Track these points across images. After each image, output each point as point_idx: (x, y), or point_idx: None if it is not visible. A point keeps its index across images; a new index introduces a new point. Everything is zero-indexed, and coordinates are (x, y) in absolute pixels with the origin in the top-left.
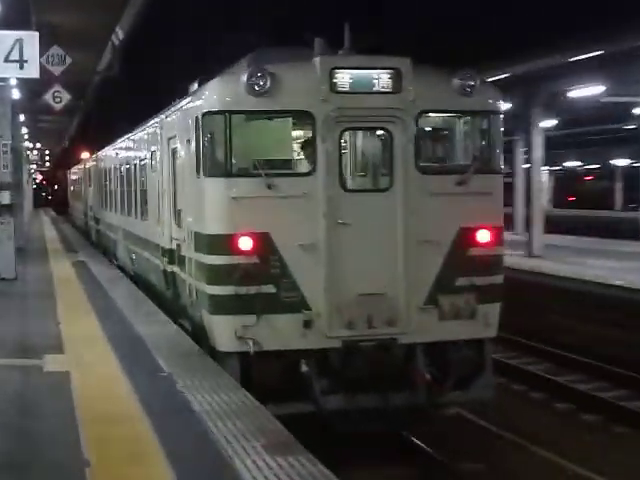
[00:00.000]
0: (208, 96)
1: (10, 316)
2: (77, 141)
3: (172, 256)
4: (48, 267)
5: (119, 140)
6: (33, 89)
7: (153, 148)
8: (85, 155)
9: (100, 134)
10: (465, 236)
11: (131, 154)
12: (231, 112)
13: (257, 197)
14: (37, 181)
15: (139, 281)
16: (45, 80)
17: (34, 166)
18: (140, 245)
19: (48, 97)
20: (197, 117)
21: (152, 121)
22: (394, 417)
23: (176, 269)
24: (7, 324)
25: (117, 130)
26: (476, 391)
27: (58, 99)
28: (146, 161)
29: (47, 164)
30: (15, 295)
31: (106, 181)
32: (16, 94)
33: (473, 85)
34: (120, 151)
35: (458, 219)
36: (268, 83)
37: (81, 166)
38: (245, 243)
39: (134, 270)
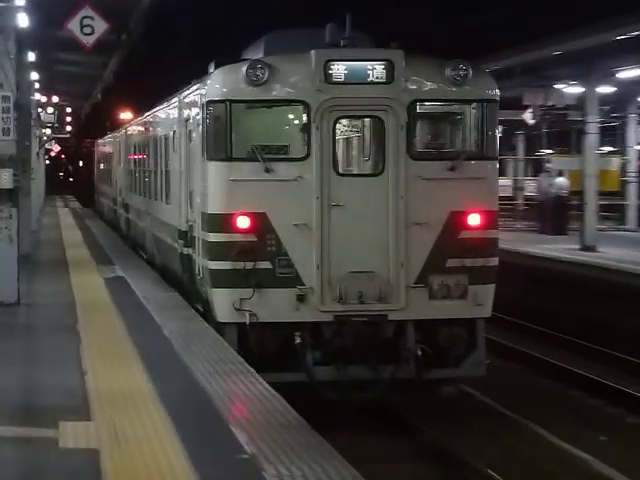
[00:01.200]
0: (211, 85)
1: (11, 362)
2: (114, 96)
3: (187, 238)
4: (67, 286)
5: (148, 112)
6: (50, 14)
7: (174, 127)
8: (125, 117)
9: (150, 87)
10: (456, 219)
11: (157, 131)
12: (232, 101)
13: (255, 180)
14: (52, 154)
15: (164, 273)
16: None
17: (48, 131)
18: (164, 231)
19: (74, 26)
20: (203, 104)
21: (174, 98)
22: (383, 389)
23: (190, 251)
24: (6, 374)
25: (169, 86)
26: (467, 368)
27: (89, 29)
28: (169, 140)
29: (68, 129)
30: (18, 329)
31: (134, 159)
32: (24, 20)
33: (465, 74)
34: (147, 125)
35: (449, 203)
36: (266, 74)
37: (114, 135)
38: (243, 222)
39: (159, 260)
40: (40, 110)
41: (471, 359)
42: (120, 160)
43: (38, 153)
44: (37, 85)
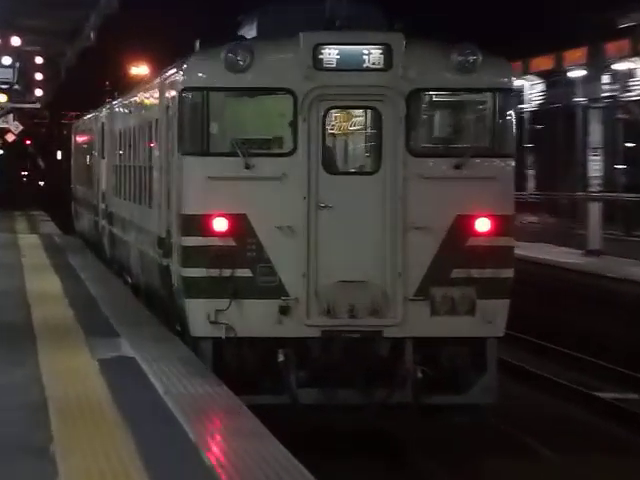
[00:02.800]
0: (187, 71)
1: None
2: (119, 36)
3: (165, 246)
4: (33, 376)
5: (140, 88)
6: None
7: (157, 114)
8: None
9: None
10: (463, 224)
11: (144, 115)
12: (209, 89)
13: (235, 177)
14: (10, 138)
15: (148, 296)
16: None
17: (2, 98)
18: (147, 242)
19: None
20: (178, 91)
21: (157, 79)
22: (373, 415)
23: (168, 261)
24: None
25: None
26: (475, 395)
27: None
28: (152, 129)
29: (38, 94)
30: None
31: (118, 151)
32: None
33: (475, 60)
34: (134, 107)
35: (455, 206)
36: (248, 59)
37: (95, 115)
38: (220, 224)
39: (143, 281)
40: None
41: (480, 384)
42: (102, 150)
43: None
44: None
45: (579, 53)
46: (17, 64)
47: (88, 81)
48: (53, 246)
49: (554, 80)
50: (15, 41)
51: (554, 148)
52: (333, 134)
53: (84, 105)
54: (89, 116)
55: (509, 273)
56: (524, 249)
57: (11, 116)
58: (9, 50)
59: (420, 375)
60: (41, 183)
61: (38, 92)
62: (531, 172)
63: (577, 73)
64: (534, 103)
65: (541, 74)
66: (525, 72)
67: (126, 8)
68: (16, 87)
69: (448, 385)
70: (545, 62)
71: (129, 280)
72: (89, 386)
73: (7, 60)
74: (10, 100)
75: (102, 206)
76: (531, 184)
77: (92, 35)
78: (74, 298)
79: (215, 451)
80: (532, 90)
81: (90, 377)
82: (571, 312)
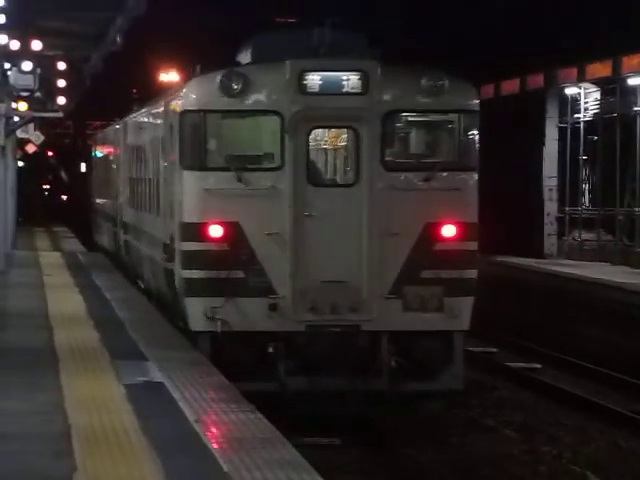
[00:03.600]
0: (186, 95)
1: None
2: (149, 41)
3: (169, 252)
4: (55, 401)
5: (149, 106)
6: None
7: (162, 132)
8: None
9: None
10: (431, 231)
11: (153, 133)
12: (206, 111)
13: (228, 189)
14: (30, 150)
15: (159, 300)
16: None
17: (23, 106)
18: (155, 248)
19: None
20: (178, 113)
21: (163, 100)
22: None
23: (171, 265)
24: None
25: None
26: (444, 382)
27: None
28: (159, 145)
29: (61, 102)
30: None
31: (134, 164)
32: None
33: (442, 84)
34: (145, 124)
35: (424, 214)
36: (241, 84)
37: (115, 128)
38: (216, 231)
39: (154, 286)
40: (8, 67)
41: (448, 373)
42: (120, 165)
43: (4, 147)
44: (2, 19)
45: (637, 59)
46: (38, 70)
47: (114, 88)
48: (77, 264)
49: (610, 88)
50: (36, 45)
51: (611, 160)
52: (316, 150)
53: (110, 114)
54: (107, 130)
55: (473, 274)
56: (579, 268)
57: (32, 126)
58: (29, 55)
59: (394, 365)
60: (64, 197)
61: (61, 100)
62: (586, 186)
63: (636, 80)
64: (590, 112)
65: (597, 81)
66: (580, 79)
67: (155, 11)
68: (37, 95)
69: (420, 373)
70: (602, 69)
71: (142, 285)
72: (115, 413)
73: (27, 66)
74: (30, 109)
75: (119, 218)
76: (586, 199)
77: (118, 39)
78: (99, 320)
79: None
80: (587, 99)
81: (116, 403)
82: (626, 335)
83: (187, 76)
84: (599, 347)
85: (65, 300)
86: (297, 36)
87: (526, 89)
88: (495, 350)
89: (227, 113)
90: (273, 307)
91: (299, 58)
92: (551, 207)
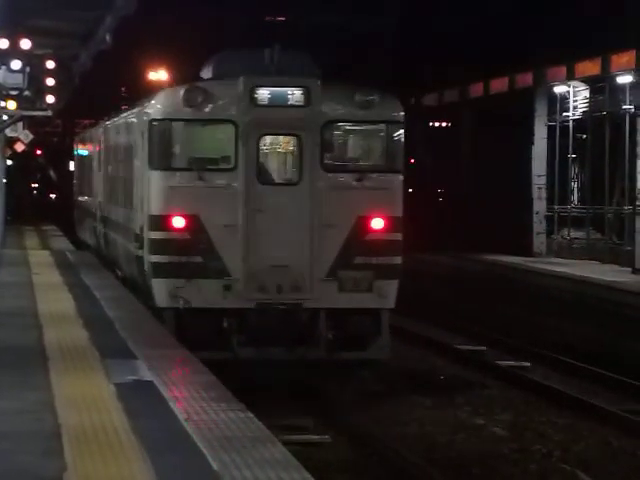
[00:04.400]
0: (154, 105)
1: None
2: (139, 38)
3: (140, 240)
4: (45, 400)
5: (123, 113)
6: None
7: (135, 137)
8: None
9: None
10: (362, 223)
11: (127, 137)
12: (171, 120)
13: (190, 186)
14: (19, 149)
15: (133, 286)
16: None
17: (12, 104)
18: (128, 238)
19: None
20: (148, 121)
21: (137, 109)
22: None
23: (141, 252)
24: None
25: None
26: (372, 352)
27: None
28: (133, 148)
29: (50, 100)
30: None
31: (111, 165)
32: None
33: (372, 99)
34: (120, 128)
35: (356, 209)
36: (200, 97)
37: (92, 131)
38: (178, 222)
39: (128, 272)
40: None
41: (376, 344)
42: (100, 164)
43: None
44: None
45: (626, 57)
46: (27, 69)
47: (103, 87)
48: (66, 263)
49: (600, 86)
50: (25, 44)
51: (600, 159)
52: (265, 154)
53: (99, 113)
54: (89, 132)
55: (398, 260)
56: (569, 267)
57: (20, 124)
58: (18, 53)
59: (331, 337)
60: (52, 196)
61: (50, 99)
62: (575, 184)
63: (625, 78)
64: (579, 111)
65: (586, 80)
66: (569, 78)
67: (144, 9)
68: (26, 93)
69: (352, 345)
70: (591, 67)
71: (119, 273)
72: (104, 412)
73: (16, 64)
74: (19, 107)
75: (99, 213)
76: (575, 197)
77: (108, 37)
78: (89, 319)
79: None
80: (576, 97)
81: (106, 402)
82: (615, 334)
83: (155, 91)
84: (589, 345)
85: (54, 299)
86: (251, 56)
87: (515, 88)
88: (484, 348)
89: (189, 122)
90: (227, 287)
91: (251, 75)
92: (540, 205)
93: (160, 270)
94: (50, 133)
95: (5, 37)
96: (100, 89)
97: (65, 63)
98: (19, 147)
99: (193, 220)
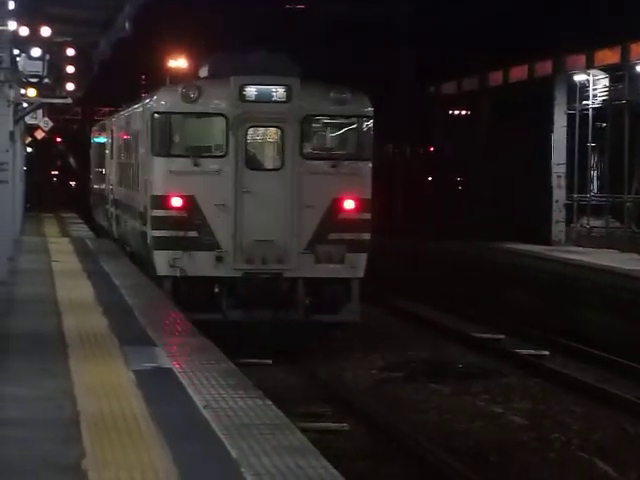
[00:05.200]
0: (156, 101)
1: None
2: (159, 26)
3: (143, 217)
4: (65, 388)
5: (132, 105)
6: None
7: (140, 127)
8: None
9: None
10: (337, 204)
11: (134, 126)
12: (171, 113)
13: (187, 171)
14: (39, 136)
15: (137, 256)
16: None
17: (32, 92)
18: (135, 217)
19: None
20: (151, 114)
21: (142, 102)
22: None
23: (145, 227)
24: None
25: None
26: (344, 315)
27: None
28: (139, 136)
29: (69, 88)
30: None
31: (121, 152)
32: None
33: (345, 96)
34: (129, 119)
35: (331, 192)
36: (196, 94)
37: (105, 122)
38: (177, 202)
39: (135, 248)
40: (17, 52)
41: (347, 308)
42: (112, 152)
43: (12, 133)
44: (11, 6)
45: None
46: (47, 56)
47: (123, 74)
48: (85, 250)
49: (619, 75)
50: (45, 31)
51: (619, 147)
52: (253, 143)
53: (119, 100)
54: (103, 122)
55: (367, 236)
56: (588, 255)
57: (40, 112)
58: (38, 41)
59: (308, 302)
60: (72, 183)
61: (69, 86)
62: (594, 173)
63: None
64: (598, 99)
65: (606, 68)
66: (589, 66)
67: None
68: (46, 81)
69: (327, 309)
70: (610, 55)
71: (128, 249)
72: (123, 399)
73: (36, 52)
74: (39, 95)
75: (111, 196)
76: (594, 185)
77: (127, 25)
78: (108, 306)
79: (257, 468)
80: (596, 85)
81: (125, 389)
82: (633, 322)
83: (158, 87)
84: (608, 334)
85: (73, 286)
86: (240, 58)
87: (534, 76)
88: (503, 337)
89: (186, 115)
90: (219, 259)
91: (240, 75)
92: (559, 194)
93: (160, 243)
94: (70, 120)
95: (25, 24)
96: (119, 77)
97: (85, 51)
98: (39, 134)
99: (189, 200)
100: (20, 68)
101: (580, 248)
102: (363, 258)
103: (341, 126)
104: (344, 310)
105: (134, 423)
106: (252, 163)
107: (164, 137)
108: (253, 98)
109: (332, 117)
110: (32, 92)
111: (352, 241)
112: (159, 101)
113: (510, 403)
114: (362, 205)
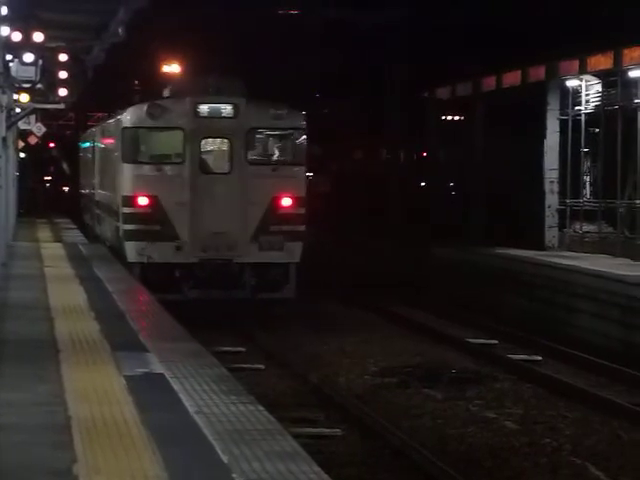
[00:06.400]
0: (125, 117)
1: None
2: (153, 31)
3: (116, 214)
4: (57, 392)
5: (110, 118)
6: None
7: (114, 138)
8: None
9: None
10: (275, 201)
11: (111, 137)
12: (138, 127)
13: (151, 175)
14: (32, 141)
15: (112, 247)
16: None
17: (25, 97)
18: (111, 214)
19: None
20: (121, 128)
21: (115, 117)
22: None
23: (118, 223)
24: None
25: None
26: (284, 293)
27: None
28: (114, 145)
29: (62, 93)
30: None
31: (102, 158)
32: None
33: (282, 113)
34: (106, 129)
35: (271, 191)
36: (159, 111)
37: (92, 131)
38: (143, 201)
39: (111, 241)
40: (10, 58)
41: (286, 287)
42: (95, 159)
43: (5, 139)
44: (4, 11)
45: (639, 51)
46: (40, 61)
47: (117, 80)
48: (78, 256)
49: (612, 80)
50: (38, 37)
51: (612, 153)
52: (206, 152)
53: (112, 106)
54: (88, 131)
55: (302, 228)
56: (580, 260)
57: (33, 117)
58: (31, 46)
59: (254, 283)
60: (66, 189)
61: (62, 92)
62: (587, 178)
63: (638, 72)
64: (591, 105)
65: (599, 74)
66: (582, 72)
67: (157, 2)
68: (39, 86)
69: (269, 288)
70: (603, 61)
71: (107, 243)
72: (115, 404)
73: (29, 57)
74: (32, 100)
75: (94, 198)
76: (587, 191)
77: (120, 30)
78: (100, 311)
79: (248, 473)
80: (589, 91)
81: (116, 395)
82: (626, 327)
83: (128, 104)
84: (599, 339)
85: (66, 292)
86: (196, 81)
87: (527, 81)
88: (496, 342)
89: (151, 129)
90: (179, 248)
91: (195, 95)
92: (552, 199)
93: (130, 235)
94: (63, 126)
95: (18, 30)
96: (113, 82)
97: (78, 56)
98: (32, 140)
99: (153, 199)
100: (13, 73)
101: (573, 253)
102: (299, 246)
103: (279, 137)
104: (284, 289)
105: (125, 428)
106: (205, 168)
107: (132, 147)
108: (206, 114)
109: (272, 130)
110: (25, 97)
111: (289, 232)
112: (128, 117)
113: (503, 408)
114: (297, 202)
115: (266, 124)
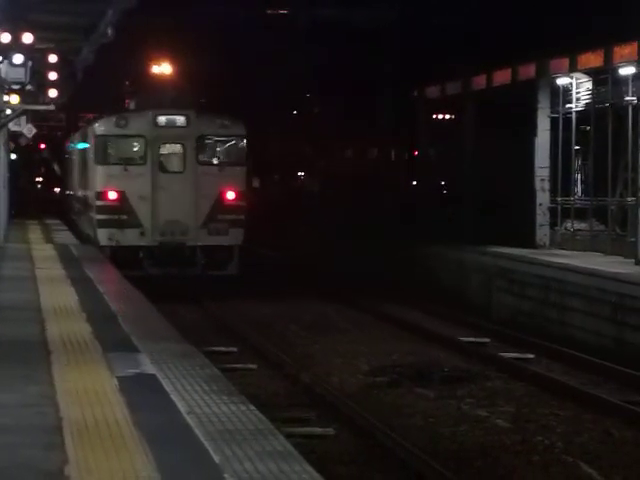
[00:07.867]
0: (97, 126)
1: None
2: (142, 31)
3: (91, 207)
4: (48, 393)
5: (87, 126)
6: None
7: (89, 143)
8: (160, 71)
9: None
10: (222, 194)
11: (89, 141)
12: (107, 135)
13: (119, 174)
14: (23, 142)
15: (88, 236)
16: None
17: (15, 99)
18: (86, 206)
19: None
20: (94, 135)
21: (90, 126)
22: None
23: (92, 214)
24: None
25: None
26: (229, 270)
27: None
28: (91, 149)
29: (52, 94)
30: None
31: (81, 160)
32: None
33: (227, 123)
34: (86, 133)
35: (219, 186)
36: (125, 121)
37: (76, 134)
38: (112, 195)
39: (86, 230)
40: (0, 60)
41: (231, 265)
42: (75, 162)
43: None
44: None
45: (629, 49)
46: (29, 63)
47: (106, 81)
48: (69, 257)
49: (602, 78)
50: (27, 38)
51: (603, 151)
52: (164, 155)
53: (102, 106)
54: (71, 137)
55: (243, 217)
56: (571, 258)
57: (24, 119)
58: (21, 48)
59: (204, 262)
60: (57, 190)
61: (52, 93)
62: (578, 176)
63: (628, 70)
64: (582, 103)
65: (589, 71)
66: (572, 70)
67: (145, 2)
68: (29, 87)
69: (217, 266)
70: (593, 59)
71: (85, 233)
72: (107, 405)
73: (19, 59)
74: (22, 102)
75: (75, 195)
76: (578, 189)
77: (109, 31)
78: (92, 312)
79: (240, 473)
80: (579, 89)
81: (108, 396)
82: (618, 325)
83: (99, 115)
84: (592, 336)
85: (57, 293)
86: (155, 96)
87: (517, 80)
88: (488, 340)
89: (118, 136)
90: (142, 233)
91: (155, 109)
92: (543, 197)
93: (102, 223)
94: (54, 127)
95: (7, 31)
96: (103, 83)
97: (67, 57)
98: (22, 141)
99: (121, 194)
100: (2, 75)
101: (564, 251)
102: (241, 232)
103: (224, 143)
104: (229, 267)
105: (117, 429)
106: (164, 168)
107: (103, 151)
108: (164, 124)
109: (218, 136)
110: (15, 99)
111: (233, 220)
112: (99, 126)
113: (495, 407)
114: (239, 196)
115: (213, 132)
